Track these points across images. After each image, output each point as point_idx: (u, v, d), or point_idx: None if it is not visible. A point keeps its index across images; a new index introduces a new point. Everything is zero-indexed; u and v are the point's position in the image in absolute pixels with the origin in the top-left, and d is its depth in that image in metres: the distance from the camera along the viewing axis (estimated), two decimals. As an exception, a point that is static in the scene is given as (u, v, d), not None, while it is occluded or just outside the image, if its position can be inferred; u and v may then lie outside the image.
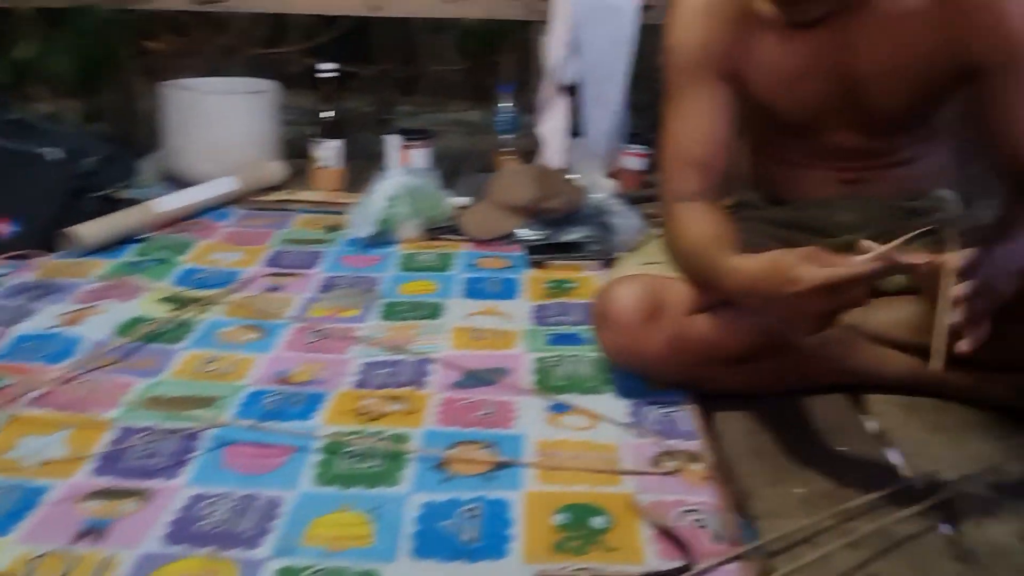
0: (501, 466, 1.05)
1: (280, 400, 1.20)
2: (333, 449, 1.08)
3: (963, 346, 0.97)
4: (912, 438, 1.17)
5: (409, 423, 1.14)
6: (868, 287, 0.96)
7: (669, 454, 1.09)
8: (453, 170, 2.41)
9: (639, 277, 1.21)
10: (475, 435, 1.12)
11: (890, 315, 1.28)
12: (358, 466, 1.05)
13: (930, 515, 1.00)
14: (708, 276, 1.12)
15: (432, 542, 0.92)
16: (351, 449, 1.08)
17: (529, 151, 2.28)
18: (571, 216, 1.82)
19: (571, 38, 2.11)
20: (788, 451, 1.13)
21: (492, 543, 0.92)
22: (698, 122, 1.23)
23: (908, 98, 1.21)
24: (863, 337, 1.27)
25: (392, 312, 1.50)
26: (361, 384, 1.25)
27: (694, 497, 1.01)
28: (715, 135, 1.23)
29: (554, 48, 2.15)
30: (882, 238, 1.31)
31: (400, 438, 1.11)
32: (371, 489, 1.01)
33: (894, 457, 1.17)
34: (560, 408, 1.20)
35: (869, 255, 0.94)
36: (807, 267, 0.95)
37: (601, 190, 1.90)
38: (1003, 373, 1.21)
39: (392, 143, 1.84)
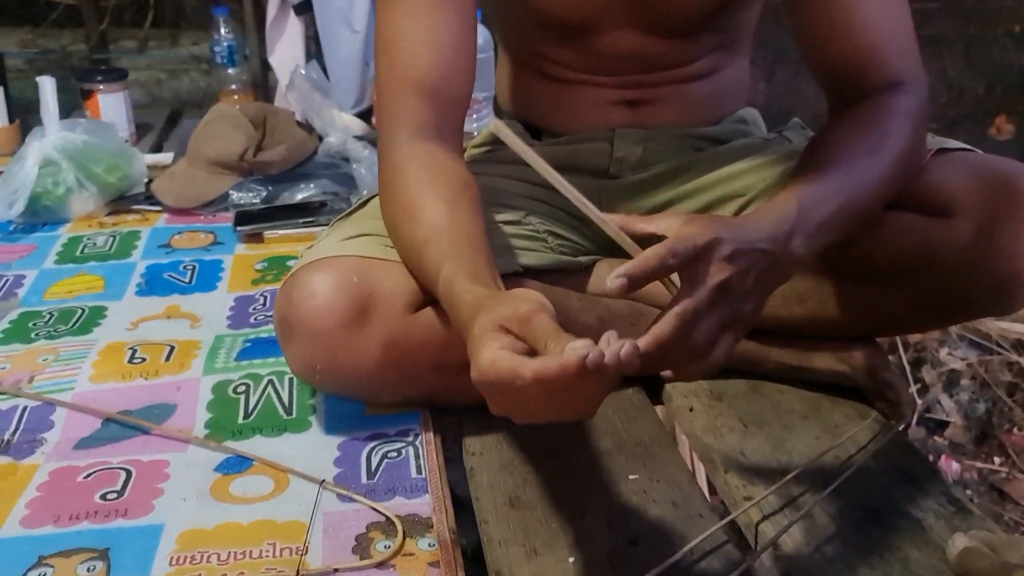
0: (107, 594, 0.66)
1: None
2: None
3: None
4: (723, 444, 0.87)
5: (-19, 528, 0.73)
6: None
7: (384, 527, 0.74)
8: (174, 119, 1.95)
9: (340, 261, 0.83)
10: (80, 538, 0.72)
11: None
12: None
13: (751, 580, 0.71)
14: (422, 281, 0.77)
15: None
16: None
17: (260, 87, 1.85)
18: (298, 169, 1.42)
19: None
20: (560, 490, 0.80)
21: None
22: (425, 22, 0.85)
23: None
24: (657, 307, 0.96)
25: (22, 330, 1.06)
26: (-69, 460, 0.82)
27: (412, 604, 0.66)
28: (449, 41, 0.85)
29: (275, -46, 1.70)
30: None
31: (-46, 561, 0.69)
32: None
33: (694, 465, 0.88)
34: (235, 465, 0.82)
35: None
36: (493, 344, 0.58)
37: (340, 132, 1.50)
38: (826, 343, 0.93)
39: (47, 87, 1.37)
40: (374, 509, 0.75)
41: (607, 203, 1.02)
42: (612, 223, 0.67)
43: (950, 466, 1.82)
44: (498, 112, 1.17)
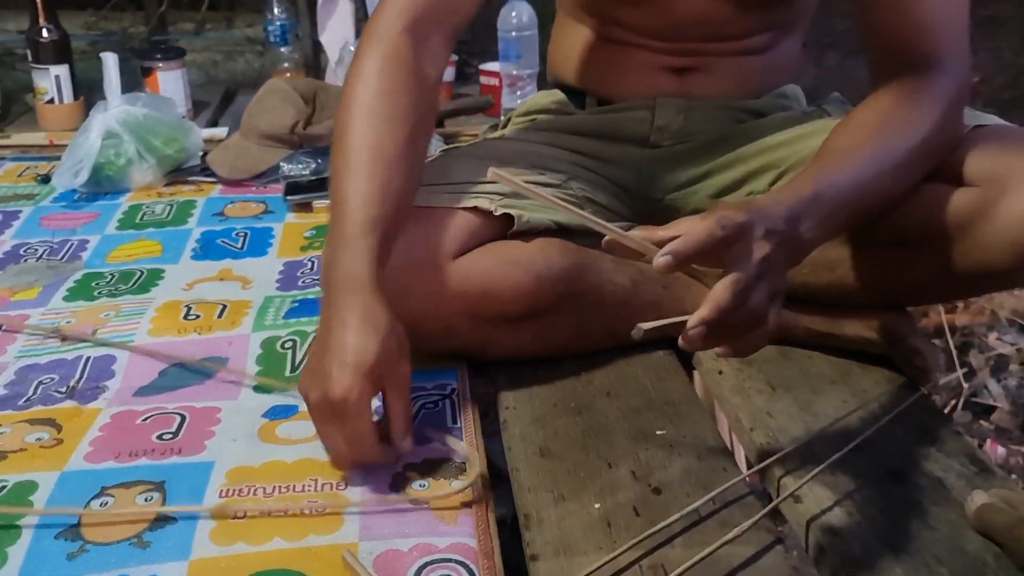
0: (163, 520, 0.71)
1: None
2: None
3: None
4: (751, 404, 0.89)
5: (48, 463, 0.79)
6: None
7: (422, 468, 0.78)
8: (229, 98, 2.01)
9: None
10: (138, 471, 0.77)
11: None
12: (-60, 548, 0.69)
13: (769, 528, 0.73)
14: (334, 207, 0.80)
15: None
16: (-61, 518, 0.72)
17: (312, 67, 1.90)
18: (346, 142, 1.46)
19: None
20: (589, 443, 0.84)
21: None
22: None
23: None
24: (687, 275, 0.99)
25: (86, 289, 1.12)
26: (2, 402, 0.88)
27: (443, 539, 0.70)
28: None
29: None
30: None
31: (24, 491, 0.75)
32: (-50, 586, 0.66)
33: (720, 423, 0.90)
34: (281, 412, 0.86)
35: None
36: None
37: (387, 107, 1.54)
38: (855, 311, 0.95)
39: (110, 63, 1.43)
40: (445, 445, 0.80)
41: (647, 173, 1.04)
42: (635, 235, 0.68)
43: (996, 451, 1.80)
44: (543, 82, 1.20)
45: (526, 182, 0.95)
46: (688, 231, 0.66)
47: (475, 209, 0.90)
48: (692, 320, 0.64)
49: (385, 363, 0.72)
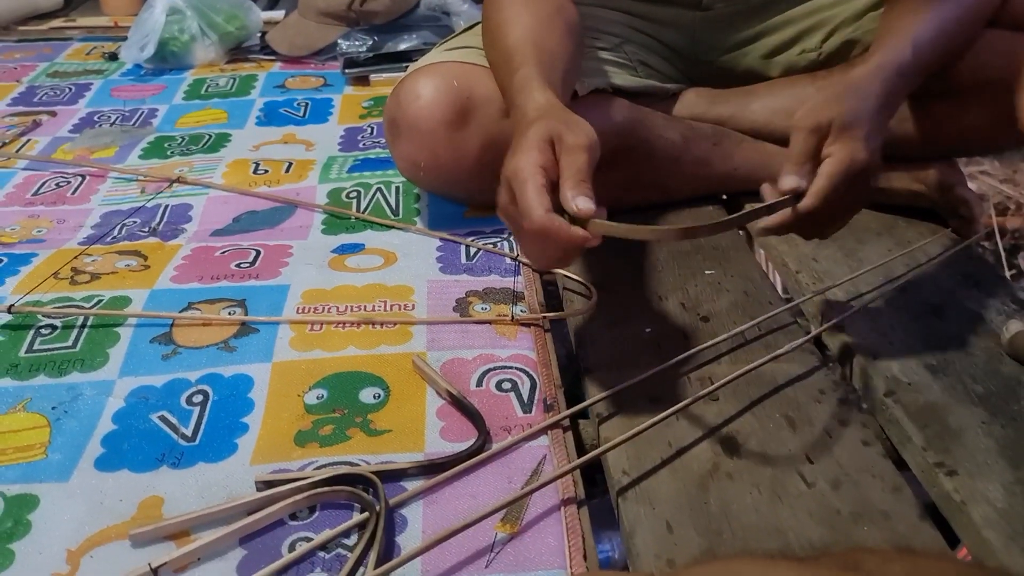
0: (246, 331, 0.77)
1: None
2: (16, 326, 0.78)
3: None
4: (797, 251, 0.92)
5: (138, 283, 0.85)
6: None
7: (483, 294, 0.83)
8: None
9: (443, 67, 0.91)
10: (221, 291, 0.83)
11: (770, 103, 1.01)
12: (48, 347, 0.76)
13: (812, 351, 0.77)
14: (502, 88, 0.81)
15: (128, 448, 0.65)
16: (44, 323, 0.79)
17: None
18: (401, 21, 1.49)
19: None
20: (640, 279, 0.88)
21: (215, 438, 0.66)
22: None
23: None
24: (739, 133, 1.01)
25: (159, 149, 1.18)
26: (91, 239, 0.94)
27: (504, 351, 0.75)
28: None
29: None
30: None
31: (118, 304, 0.81)
32: (61, 377, 0.72)
33: (772, 276, 0.94)
34: (349, 248, 0.92)
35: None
36: (531, 154, 0.64)
37: (441, -12, 1.56)
38: (903, 164, 0.96)
39: (172, -58, 1.47)
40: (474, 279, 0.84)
41: (699, 35, 1.05)
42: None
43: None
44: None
45: (593, 47, 0.98)
46: (827, 174, 0.65)
47: None
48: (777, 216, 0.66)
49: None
